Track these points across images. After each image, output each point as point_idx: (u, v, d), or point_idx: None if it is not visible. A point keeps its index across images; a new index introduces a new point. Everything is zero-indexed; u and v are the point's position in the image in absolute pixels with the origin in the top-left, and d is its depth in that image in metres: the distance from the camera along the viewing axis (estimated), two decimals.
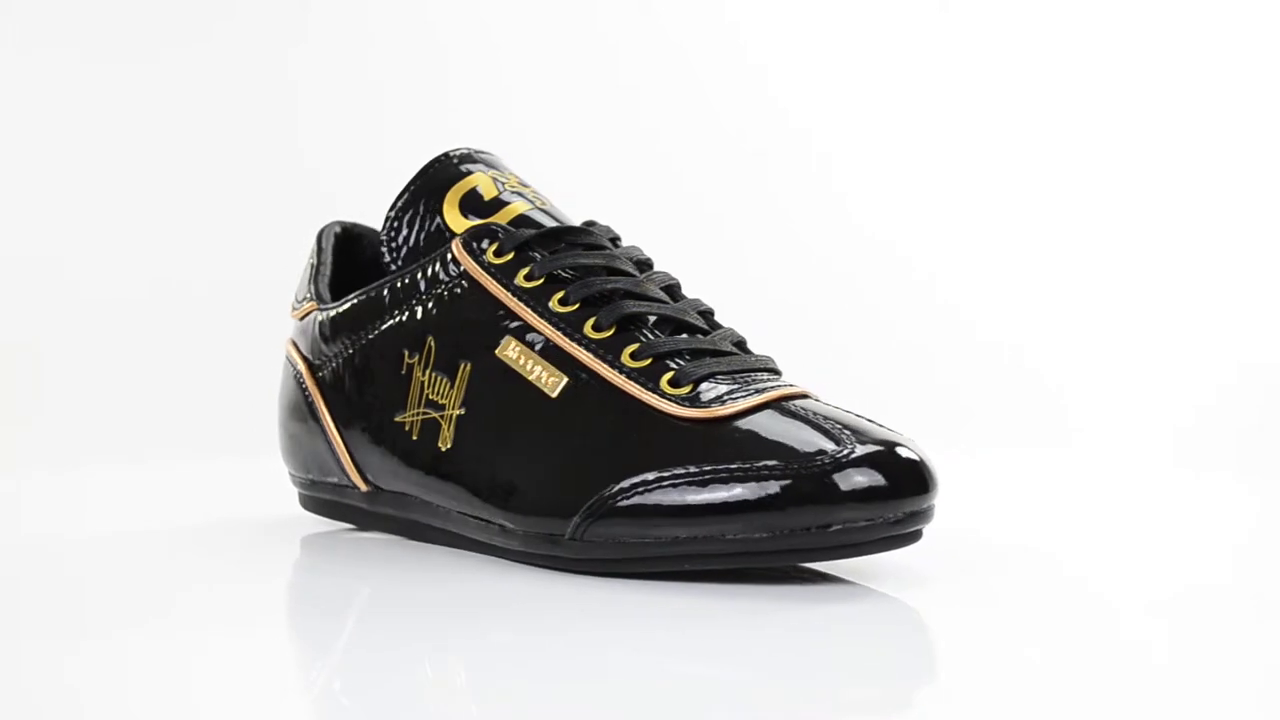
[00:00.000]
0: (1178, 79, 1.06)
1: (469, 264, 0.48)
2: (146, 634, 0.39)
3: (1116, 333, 1.02)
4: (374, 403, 0.51)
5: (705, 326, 0.47)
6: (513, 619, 0.41)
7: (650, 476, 0.43)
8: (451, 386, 0.48)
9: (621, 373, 0.45)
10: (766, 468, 0.42)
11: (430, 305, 0.49)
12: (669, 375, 0.44)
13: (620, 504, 0.43)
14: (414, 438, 0.49)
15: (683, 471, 0.43)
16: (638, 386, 0.44)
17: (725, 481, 0.42)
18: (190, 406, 0.89)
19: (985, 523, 0.58)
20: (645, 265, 0.49)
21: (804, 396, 0.45)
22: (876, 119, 1.08)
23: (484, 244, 0.48)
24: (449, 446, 0.48)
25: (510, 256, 0.48)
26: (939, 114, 1.08)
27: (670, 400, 0.44)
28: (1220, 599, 0.45)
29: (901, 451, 0.42)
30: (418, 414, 0.49)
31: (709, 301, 0.50)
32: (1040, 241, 1.05)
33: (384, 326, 0.51)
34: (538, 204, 0.51)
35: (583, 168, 0.97)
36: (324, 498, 0.55)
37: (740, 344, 0.47)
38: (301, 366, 0.54)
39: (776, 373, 0.47)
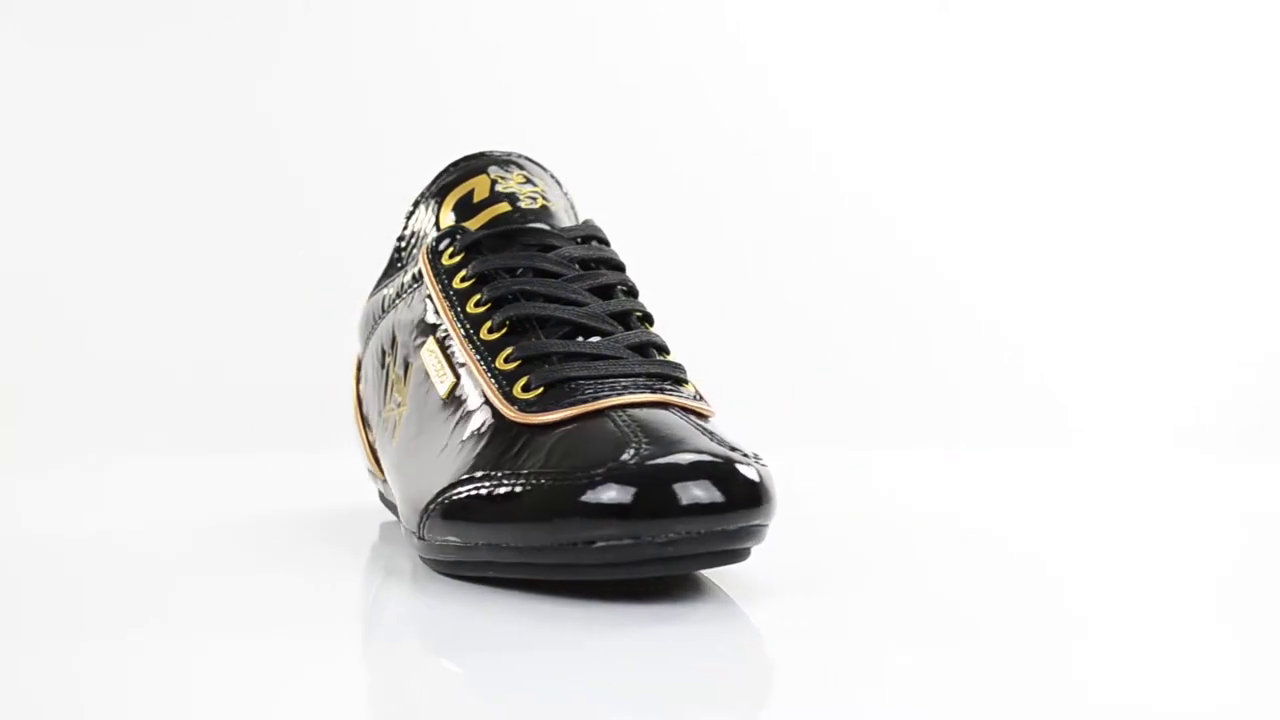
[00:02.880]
0: (1177, 78, 1.07)
1: (425, 265, 0.49)
2: (146, 633, 0.39)
3: (1114, 332, 1.03)
4: (374, 397, 0.53)
5: (608, 329, 0.45)
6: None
7: (464, 478, 0.43)
8: (404, 384, 0.49)
9: (489, 374, 0.44)
10: (546, 475, 0.40)
11: (402, 305, 0.51)
12: (525, 379, 0.43)
13: (436, 506, 0.43)
14: (386, 431, 0.51)
15: (487, 475, 0.42)
16: (495, 388, 0.44)
17: (510, 488, 0.41)
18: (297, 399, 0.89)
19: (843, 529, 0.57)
20: (603, 265, 0.48)
21: (664, 406, 0.43)
22: (877, 119, 1.08)
23: (444, 246, 0.49)
24: (396, 441, 0.49)
25: (460, 258, 0.48)
26: (939, 114, 1.08)
27: (511, 403, 0.43)
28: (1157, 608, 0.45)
29: (709, 468, 0.39)
30: (389, 409, 0.51)
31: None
32: (1039, 242, 1.05)
33: (380, 325, 0.53)
34: (525, 205, 0.50)
35: (610, 169, 0.98)
36: (378, 488, 0.57)
37: (642, 347, 0.46)
38: (355, 362, 0.56)
39: (674, 380, 0.45)
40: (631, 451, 0.39)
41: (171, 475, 0.75)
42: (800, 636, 0.39)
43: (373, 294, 0.55)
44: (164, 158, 1.02)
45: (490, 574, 0.42)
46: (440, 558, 0.44)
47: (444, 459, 0.44)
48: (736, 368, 0.95)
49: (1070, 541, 0.56)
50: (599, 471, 0.39)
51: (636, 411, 0.42)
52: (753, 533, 0.40)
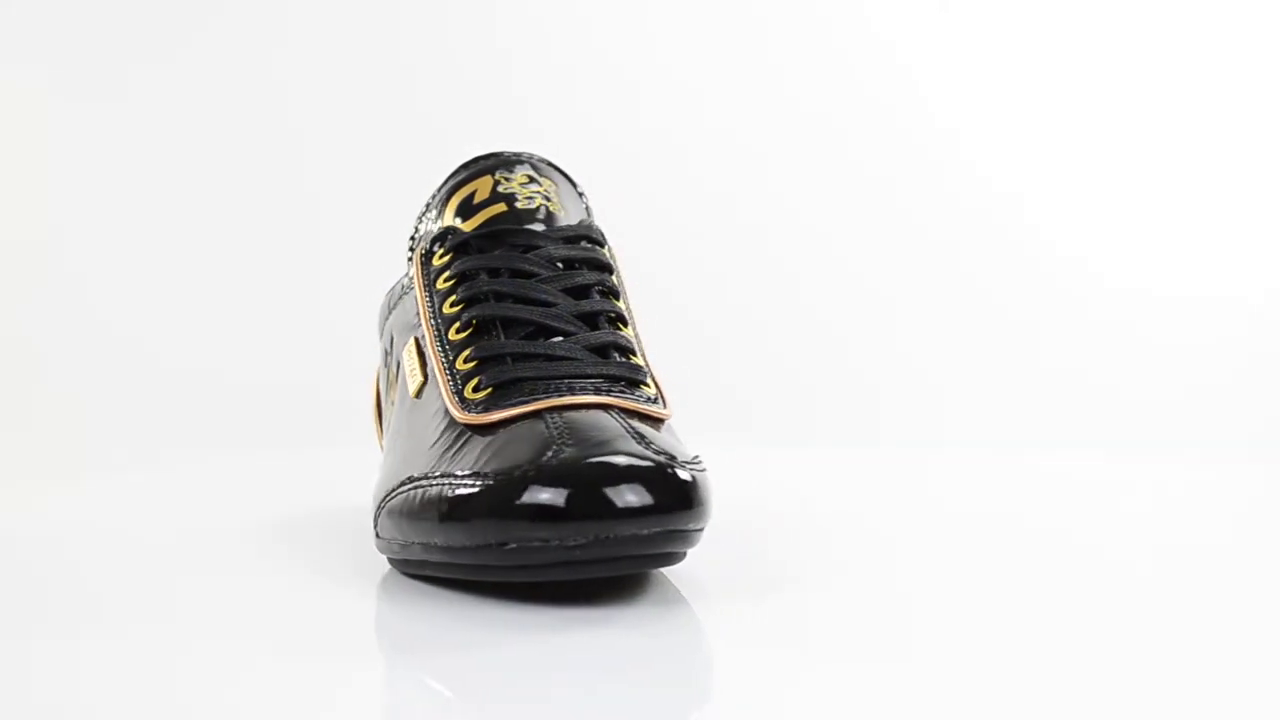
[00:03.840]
0: (1181, 73, 1.07)
1: (416, 266, 0.49)
2: (145, 635, 0.39)
3: (1089, 334, 1.03)
4: (381, 392, 0.54)
5: (572, 329, 0.45)
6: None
7: (408, 477, 0.43)
8: (396, 383, 0.50)
9: (449, 374, 0.45)
10: (471, 476, 0.40)
11: (400, 306, 0.52)
12: (477, 379, 0.44)
13: (385, 502, 0.44)
14: (386, 429, 0.52)
15: (426, 475, 0.42)
16: (449, 388, 0.44)
17: (440, 488, 0.41)
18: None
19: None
20: (586, 265, 0.48)
21: (604, 408, 0.42)
22: (882, 119, 1.09)
23: (436, 247, 0.49)
24: (388, 436, 0.50)
25: (448, 259, 0.48)
26: (944, 113, 1.09)
27: (461, 403, 0.43)
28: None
29: (626, 471, 0.38)
30: (389, 408, 0.52)
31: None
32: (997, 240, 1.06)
33: (385, 323, 0.54)
34: (522, 206, 0.49)
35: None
36: None
37: (603, 348, 0.45)
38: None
39: (629, 382, 0.44)
40: (550, 454, 0.38)
41: (180, 474, 0.76)
42: (750, 640, 0.39)
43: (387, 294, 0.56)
44: (184, 160, 1.03)
45: (427, 572, 0.43)
46: (389, 554, 0.45)
47: (406, 457, 0.45)
48: (722, 367, 0.95)
49: (1029, 545, 0.55)
50: (516, 473, 0.38)
51: (571, 414, 0.41)
52: (676, 537, 0.39)
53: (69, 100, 1.05)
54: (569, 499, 0.37)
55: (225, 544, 0.53)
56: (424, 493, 0.42)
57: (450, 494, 0.40)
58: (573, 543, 0.38)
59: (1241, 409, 0.95)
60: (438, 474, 0.41)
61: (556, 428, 0.40)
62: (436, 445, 0.43)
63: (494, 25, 1.09)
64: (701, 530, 0.41)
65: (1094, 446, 0.88)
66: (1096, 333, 1.02)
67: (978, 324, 1.02)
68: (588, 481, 0.38)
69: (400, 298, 0.52)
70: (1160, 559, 0.53)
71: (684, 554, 0.41)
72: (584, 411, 0.41)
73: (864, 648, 0.38)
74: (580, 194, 0.52)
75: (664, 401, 0.45)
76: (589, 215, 0.51)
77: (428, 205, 0.52)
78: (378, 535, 0.46)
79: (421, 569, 0.43)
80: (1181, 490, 0.73)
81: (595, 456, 0.38)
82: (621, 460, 0.38)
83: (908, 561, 0.51)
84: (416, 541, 0.42)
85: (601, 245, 0.49)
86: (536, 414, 0.41)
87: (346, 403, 0.76)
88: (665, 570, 0.45)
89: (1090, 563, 0.51)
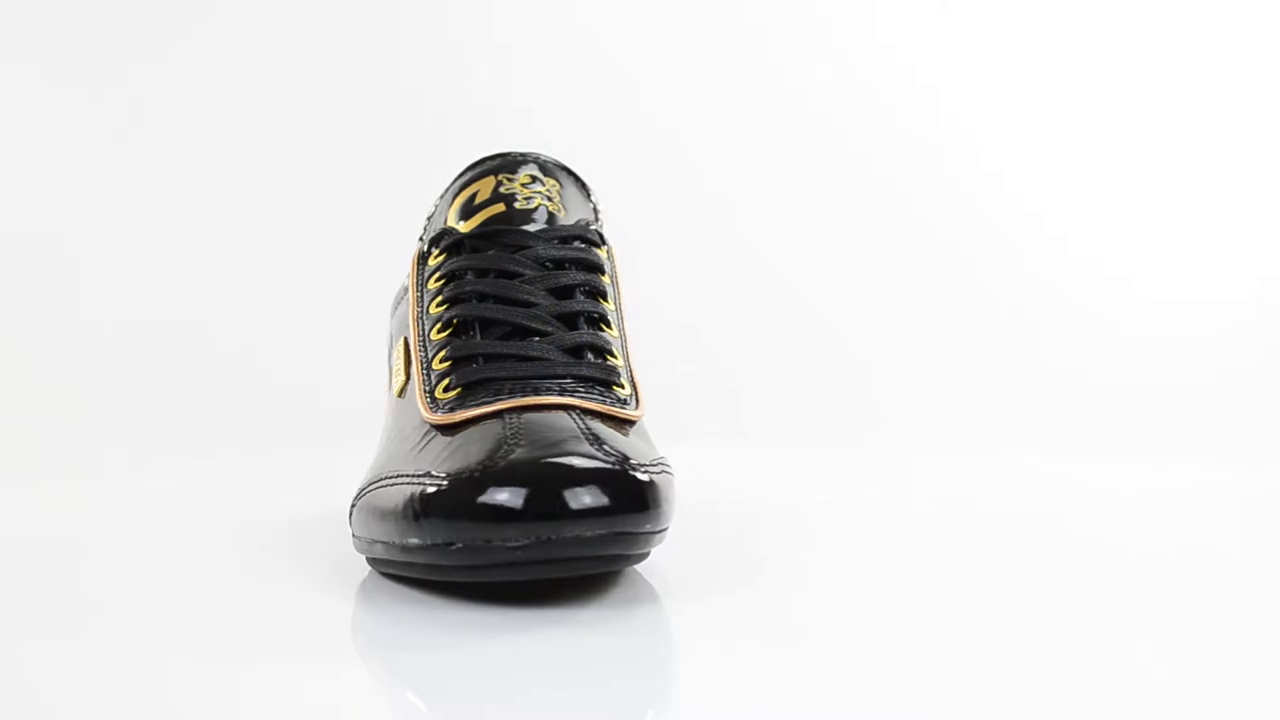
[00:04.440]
0: (1182, 73, 1.07)
1: (411, 266, 0.50)
2: (136, 637, 0.39)
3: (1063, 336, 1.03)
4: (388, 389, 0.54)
5: (549, 330, 0.45)
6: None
7: (376, 476, 0.43)
8: (392, 380, 0.50)
9: (425, 373, 0.45)
10: (425, 476, 0.40)
11: (400, 304, 0.52)
12: (448, 379, 0.44)
13: (355, 500, 0.45)
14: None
15: (390, 474, 0.42)
16: (423, 388, 0.44)
17: (400, 487, 0.41)
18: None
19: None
20: (576, 265, 0.47)
21: (564, 409, 0.42)
22: (882, 118, 1.09)
23: (433, 247, 0.49)
24: (380, 434, 0.51)
25: (442, 259, 0.48)
26: (944, 113, 1.08)
27: (431, 403, 0.43)
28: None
29: (572, 474, 0.37)
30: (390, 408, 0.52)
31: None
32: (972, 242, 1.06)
33: (391, 323, 0.54)
34: (520, 206, 0.49)
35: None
36: None
37: (578, 349, 0.45)
38: None
39: (601, 383, 0.44)
40: (501, 455, 0.38)
41: (179, 475, 0.76)
42: (723, 638, 0.39)
43: None
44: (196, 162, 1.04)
45: (392, 571, 0.43)
46: (361, 551, 0.45)
47: (383, 455, 0.46)
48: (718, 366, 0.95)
49: (1028, 545, 0.54)
50: (465, 474, 0.38)
51: (530, 415, 0.41)
52: (627, 539, 0.39)
53: (69, 100, 1.05)
54: (520, 500, 0.37)
55: (224, 544, 0.53)
56: (386, 491, 0.42)
57: (406, 493, 0.40)
58: (515, 544, 0.37)
59: (1241, 409, 0.95)
60: (399, 473, 0.42)
61: (512, 429, 0.40)
62: (407, 444, 0.43)
63: (496, 26, 1.09)
64: (660, 532, 0.40)
65: (1094, 446, 0.88)
66: (1096, 333, 1.02)
67: (978, 323, 1.02)
68: (534, 483, 0.37)
69: (403, 298, 0.52)
70: (1160, 559, 0.53)
71: (643, 555, 0.41)
72: (543, 412, 0.41)
73: (848, 647, 0.38)
74: (588, 195, 0.52)
75: (638, 402, 0.45)
76: (596, 217, 0.51)
77: (435, 206, 0.52)
78: (353, 534, 0.46)
79: (387, 567, 0.43)
80: (1181, 490, 0.73)
81: (545, 458, 0.38)
82: (571, 462, 0.38)
83: (903, 561, 0.51)
84: (379, 540, 0.42)
85: (598, 246, 0.49)
86: (498, 414, 0.41)
87: (347, 404, 0.76)
88: (643, 570, 0.45)
89: (1089, 563, 0.51)
